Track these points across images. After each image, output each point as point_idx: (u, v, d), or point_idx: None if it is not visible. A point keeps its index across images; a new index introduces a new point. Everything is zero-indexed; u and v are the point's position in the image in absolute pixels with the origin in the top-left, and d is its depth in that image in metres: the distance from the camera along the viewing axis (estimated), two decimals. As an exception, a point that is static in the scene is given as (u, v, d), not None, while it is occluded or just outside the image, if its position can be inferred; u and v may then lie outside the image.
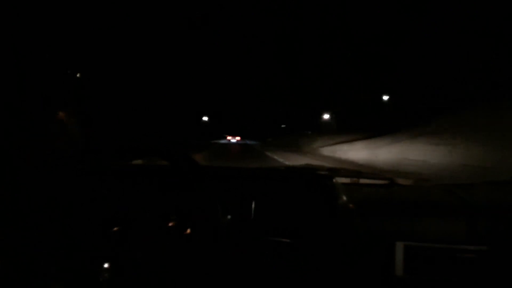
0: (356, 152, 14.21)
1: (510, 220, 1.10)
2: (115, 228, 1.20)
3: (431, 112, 15.39)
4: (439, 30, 18.77)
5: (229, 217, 1.25)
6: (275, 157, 16.49)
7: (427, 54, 19.68)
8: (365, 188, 1.60)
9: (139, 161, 1.81)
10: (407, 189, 1.62)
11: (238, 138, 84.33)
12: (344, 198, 1.26)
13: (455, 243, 1.07)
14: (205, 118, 66.51)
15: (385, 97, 26.91)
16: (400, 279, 1.07)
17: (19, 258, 1.01)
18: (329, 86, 36.59)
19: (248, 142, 59.71)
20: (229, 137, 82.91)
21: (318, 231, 1.18)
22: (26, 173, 1.11)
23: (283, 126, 60.11)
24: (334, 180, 1.36)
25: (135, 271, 1.17)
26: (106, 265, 1.11)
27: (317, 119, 40.24)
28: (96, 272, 1.10)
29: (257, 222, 1.24)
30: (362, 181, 1.72)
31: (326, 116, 37.47)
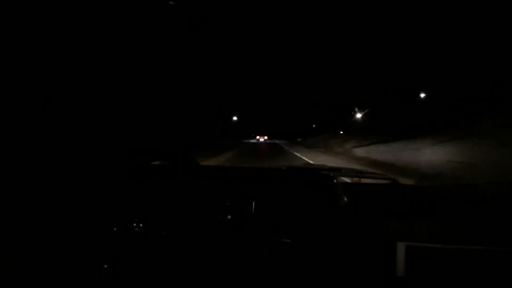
0: (394, 153, 13.09)
1: (510, 220, 1.10)
2: (115, 228, 1.17)
3: (477, 111, 14.04)
4: (478, 28, 17.33)
5: (229, 217, 1.22)
6: (305, 158, 15.65)
7: (467, 50, 18.27)
8: (367, 188, 1.54)
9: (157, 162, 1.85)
10: (409, 189, 1.57)
11: (265, 137, 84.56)
12: (345, 198, 1.26)
13: (457, 243, 1.06)
14: (234, 118, 66.46)
15: (422, 95, 25.43)
16: (401, 280, 1.05)
17: (20, 258, 0.97)
18: (361, 84, 35.32)
19: (278, 141, 59.12)
20: (258, 137, 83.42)
21: (319, 231, 1.17)
22: (26, 173, 1.07)
23: (313, 126, 58.93)
24: (335, 180, 1.36)
25: (135, 271, 1.13)
26: (106, 266, 1.08)
27: (348, 118, 39.04)
28: (96, 272, 1.06)
29: (258, 222, 1.21)
30: (364, 181, 1.69)
31: (358, 116, 36.21)
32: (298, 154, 18.84)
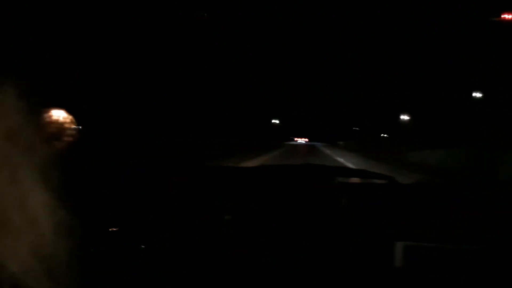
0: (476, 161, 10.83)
1: (510, 220, 1.08)
2: (112, 229, 1.14)
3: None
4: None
5: (228, 217, 1.20)
6: (354, 167, 13.79)
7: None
8: (365, 188, 1.54)
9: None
10: (407, 189, 1.56)
11: (307, 139, 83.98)
12: (344, 197, 1.25)
13: (455, 243, 1.04)
14: (274, 121, 65.63)
15: (477, 94, 22.66)
16: (399, 279, 1.04)
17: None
18: (406, 83, 32.86)
19: (318, 144, 57.09)
20: (296, 139, 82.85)
21: (317, 231, 1.16)
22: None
23: (355, 128, 56.29)
24: (335, 180, 1.36)
25: (139, 270, 1.09)
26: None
27: (392, 121, 36.53)
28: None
29: (257, 222, 1.19)
30: (363, 180, 1.68)
31: (405, 118, 33.43)
32: (342, 160, 17.07)
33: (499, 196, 1.34)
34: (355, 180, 1.69)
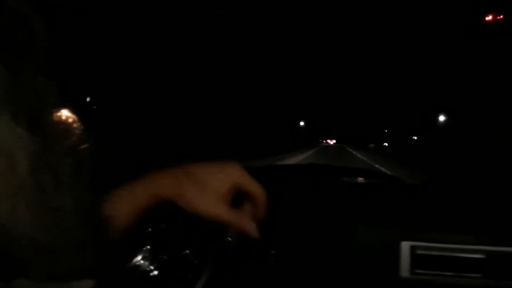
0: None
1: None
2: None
3: None
4: None
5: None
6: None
7: None
8: (371, 188, 1.40)
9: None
10: (414, 189, 1.43)
11: (334, 141, 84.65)
12: (349, 197, 1.20)
13: (463, 243, 0.99)
14: (302, 123, 64.64)
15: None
16: (405, 280, 0.99)
17: None
18: (444, 80, 30.36)
19: (348, 148, 54.62)
20: (327, 140, 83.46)
21: (322, 231, 1.11)
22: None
23: (385, 130, 53.55)
24: (339, 180, 1.33)
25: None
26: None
27: (427, 121, 34.02)
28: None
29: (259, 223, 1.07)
30: (369, 180, 1.58)
31: (441, 119, 30.57)
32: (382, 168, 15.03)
33: (501, 195, 1.23)
34: (360, 180, 1.55)
